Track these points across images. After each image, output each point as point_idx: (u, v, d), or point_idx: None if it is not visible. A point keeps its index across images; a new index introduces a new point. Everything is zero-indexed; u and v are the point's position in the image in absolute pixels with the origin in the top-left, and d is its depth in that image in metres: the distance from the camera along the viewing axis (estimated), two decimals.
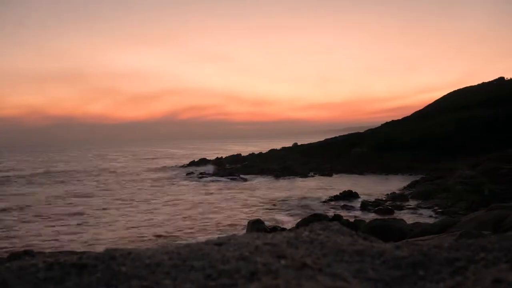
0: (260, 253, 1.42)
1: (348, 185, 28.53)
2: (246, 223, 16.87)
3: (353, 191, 24.90)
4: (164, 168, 50.65)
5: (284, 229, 14.82)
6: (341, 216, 17.33)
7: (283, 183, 33.33)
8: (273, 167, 40.41)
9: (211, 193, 28.61)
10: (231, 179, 36.39)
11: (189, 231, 17.45)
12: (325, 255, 1.48)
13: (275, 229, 15.47)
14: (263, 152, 56.37)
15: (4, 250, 14.36)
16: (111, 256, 1.42)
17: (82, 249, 12.17)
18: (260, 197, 26.35)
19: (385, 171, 36.55)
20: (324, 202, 23.74)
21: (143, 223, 19.03)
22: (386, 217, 16.04)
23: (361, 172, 37.31)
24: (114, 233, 17.13)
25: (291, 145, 57.32)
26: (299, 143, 57.88)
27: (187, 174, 41.46)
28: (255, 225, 15.58)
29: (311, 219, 14.80)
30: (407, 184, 28.66)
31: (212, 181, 35.87)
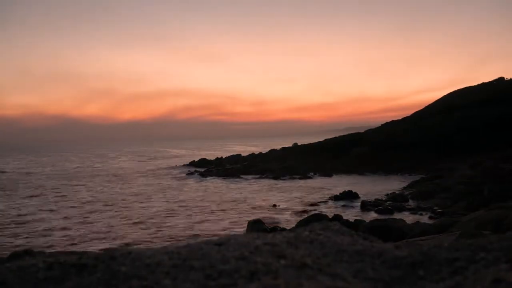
0: (260, 253, 1.42)
1: (348, 185, 28.52)
2: (246, 223, 16.88)
3: (353, 191, 24.89)
4: (164, 169, 50.65)
5: (284, 229, 14.83)
6: (341, 216, 17.35)
7: (283, 183, 33.32)
8: (273, 167, 40.40)
9: (211, 193, 28.61)
10: (231, 179, 36.41)
11: (188, 231, 17.44)
12: (325, 255, 1.48)
13: (275, 229, 15.48)
14: (263, 152, 56.38)
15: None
16: (111, 256, 1.42)
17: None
18: (260, 197, 26.36)
19: (385, 171, 36.53)
20: (324, 202, 23.75)
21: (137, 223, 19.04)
22: (386, 217, 16.06)
23: (361, 172, 37.29)
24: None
25: (291, 145, 57.33)
26: (299, 143, 57.88)
27: (187, 174, 41.45)
28: (255, 225, 15.59)
29: (311, 219, 14.84)
30: (407, 184, 28.65)
31: (212, 181, 35.89)
